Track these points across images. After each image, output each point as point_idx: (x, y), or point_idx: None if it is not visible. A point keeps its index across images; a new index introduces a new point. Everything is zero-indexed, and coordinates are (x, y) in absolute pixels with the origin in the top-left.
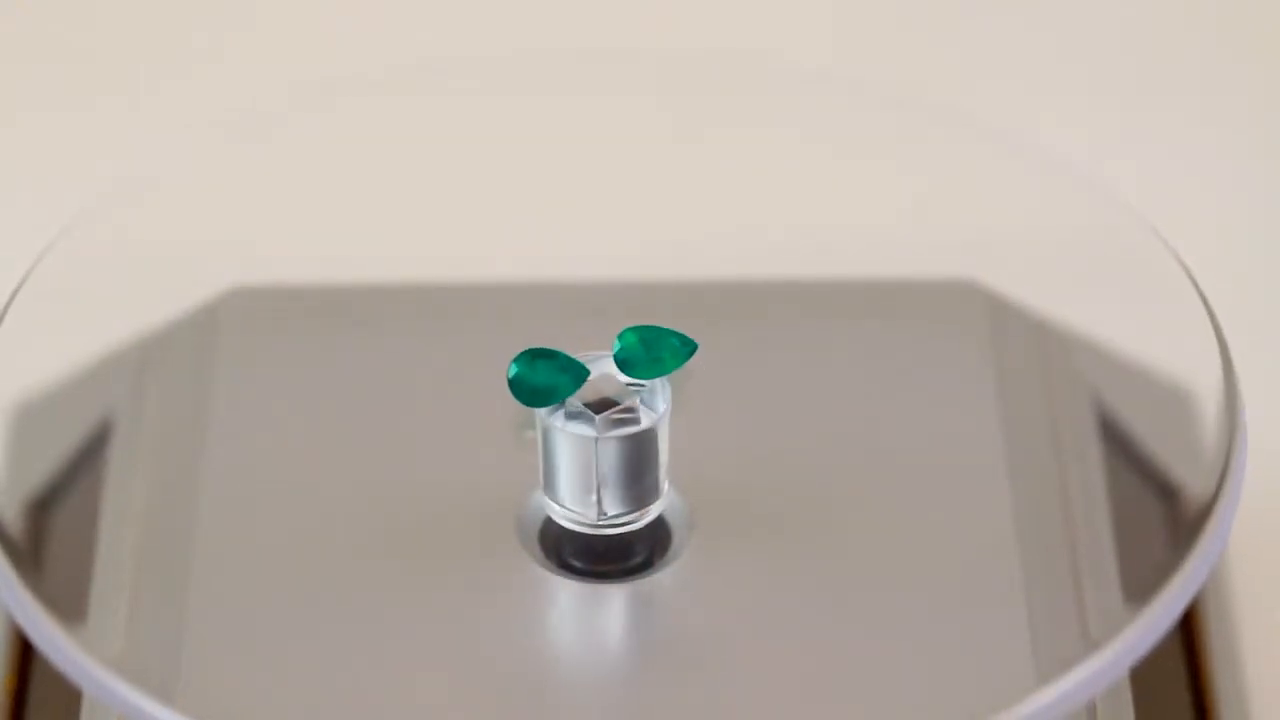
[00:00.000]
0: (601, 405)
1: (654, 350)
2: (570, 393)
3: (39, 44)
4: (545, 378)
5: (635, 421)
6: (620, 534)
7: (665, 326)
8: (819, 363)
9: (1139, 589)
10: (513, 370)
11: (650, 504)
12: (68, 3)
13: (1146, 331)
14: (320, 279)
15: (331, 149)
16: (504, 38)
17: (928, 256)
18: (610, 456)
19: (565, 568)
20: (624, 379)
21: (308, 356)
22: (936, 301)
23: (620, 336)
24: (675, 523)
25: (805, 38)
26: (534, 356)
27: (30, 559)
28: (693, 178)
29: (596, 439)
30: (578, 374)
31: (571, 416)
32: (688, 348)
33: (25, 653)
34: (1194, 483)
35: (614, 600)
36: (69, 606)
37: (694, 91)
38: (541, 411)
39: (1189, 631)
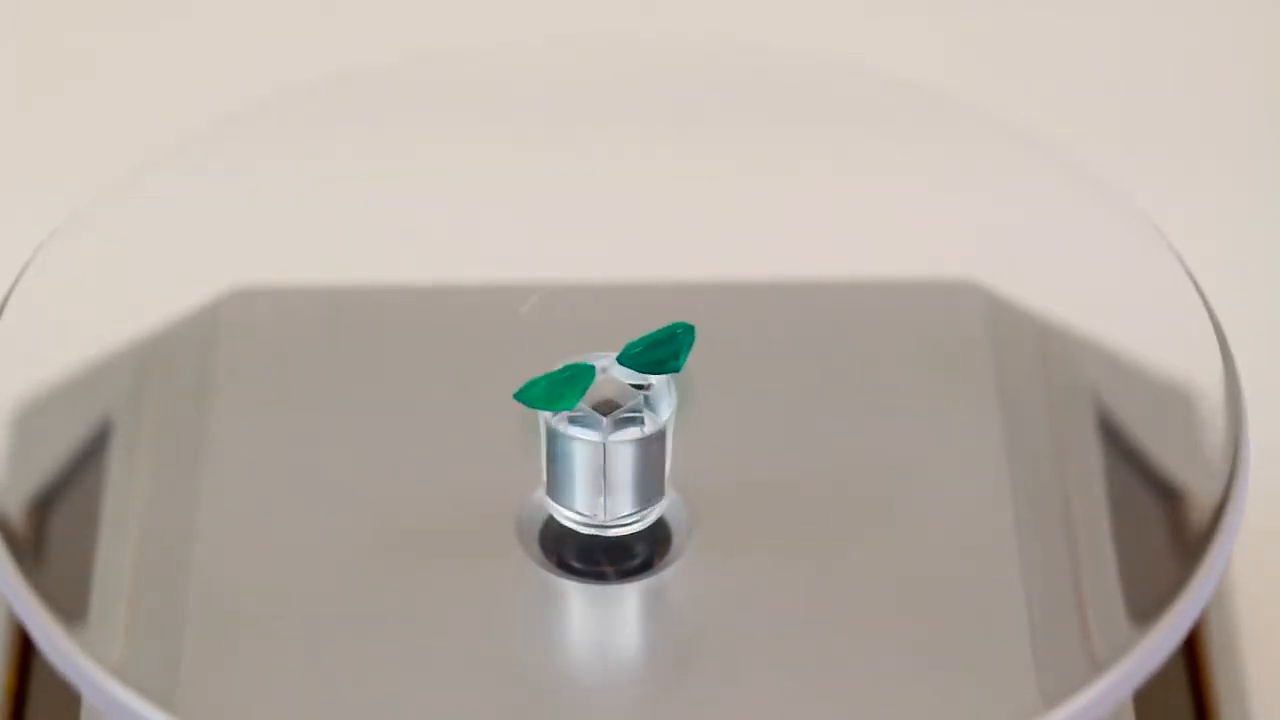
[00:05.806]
0: (606, 407)
1: (664, 350)
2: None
3: (38, 41)
4: (554, 385)
5: (640, 425)
6: (621, 535)
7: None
8: (819, 363)
9: (1141, 598)
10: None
11: (653, 506)
12: (71, 0)
13: (1147, 332)
14: (320, 279)
15: (332, 148)
16: (504, 37)
17: (928, 256)
18: (615, 460)
19: (565, 568)
20: (628, 381)
21: (308, 356)
22: (936, 301)
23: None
24: (675, 523)
25: (805, 35)
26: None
27: (31, 559)
28: (693, 177)
29: (603, 443)
30: (586, 377)
31: (576, 419)
32: (688, 335)
33: (26, 653)
34: (1195, 485)
35: (614, 601)
36: (69, 607)
37: (694, 89)
38: (546, 414)
39: (1191, 639)
